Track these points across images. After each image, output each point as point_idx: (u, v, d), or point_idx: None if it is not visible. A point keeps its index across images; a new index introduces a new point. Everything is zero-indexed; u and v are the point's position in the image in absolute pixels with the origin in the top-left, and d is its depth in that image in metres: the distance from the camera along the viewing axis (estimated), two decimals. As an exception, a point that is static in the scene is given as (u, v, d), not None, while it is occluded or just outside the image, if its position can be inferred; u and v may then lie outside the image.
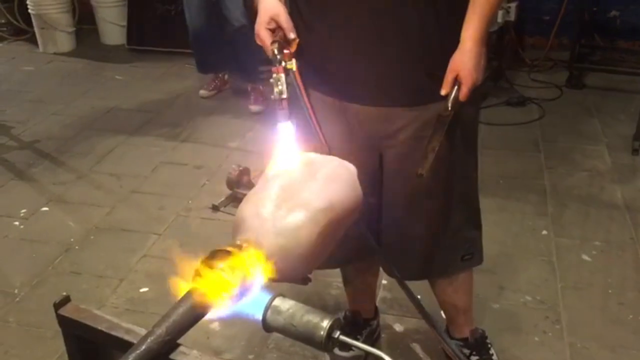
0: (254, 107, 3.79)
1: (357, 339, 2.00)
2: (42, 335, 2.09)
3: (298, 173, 0.94)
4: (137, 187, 3.05)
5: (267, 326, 0.81)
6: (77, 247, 2.60)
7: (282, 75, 1.30)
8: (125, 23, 4.92)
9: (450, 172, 1.57)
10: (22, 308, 2.26)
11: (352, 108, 1.50)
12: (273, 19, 1.40)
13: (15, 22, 5.18)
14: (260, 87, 3.81)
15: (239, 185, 2.79)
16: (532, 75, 4.26)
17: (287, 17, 1.41)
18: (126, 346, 0.77)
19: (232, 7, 3.55)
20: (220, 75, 4.07)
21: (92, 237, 2.67)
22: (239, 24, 3.56)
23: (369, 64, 1.43)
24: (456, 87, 1.40)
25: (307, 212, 0.87)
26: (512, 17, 3.90)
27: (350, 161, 1.00)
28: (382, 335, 2.11)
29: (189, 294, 0.80)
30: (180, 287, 0.81)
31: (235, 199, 2.79)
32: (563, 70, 4.22)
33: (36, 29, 4.94)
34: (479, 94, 1.56)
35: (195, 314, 0.79)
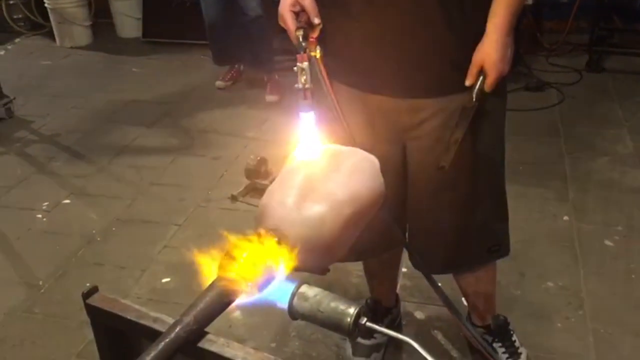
0: (270, 97, 3.79)
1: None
2: (67, 325, 2.12)
3: (323, 164, 0.94)
4: (156, 178, 3.08)
5: (293, 313, 0.81)
6: (99, 239, 2.63)
7: (307, 64, 1.24)
8: (140, 16, 4.95)
9: (475, 165, 1.54)
10: (47, 299, 2.30)
11: (375, 99, 1.48)
12: (298, 1, 1.36)
13: (32, 17, 5.23)
14: (276, 77, 3.81)
15: (257, 175, 2.79)
16: (550, 59, 4.20)
17: (312, 0, 1.37)
18: (154, 335, 0.77)
19: (247, -3, 3.55)
20: (236, 66, 4.08)
21: (113, 229, 2.70)
22: (254, 14, 3.56)
23: (393, 54, 1.40)
24: (481, 78, 1.38)
25: (331, 204, 0.87)
26: (529, 0, 3.85)
27: (372, 153, 1.00)
28: (403, 323, 2.11)
29: (215, 282, 0.80)
30: (206, 276, 0.82)
31: (254, 189, 2.79)
32: (582, 54, 4.16)
33: (53, 24, 4.98)
34: (505, 84, 1.53)
35: (222, 302, 0.79)
